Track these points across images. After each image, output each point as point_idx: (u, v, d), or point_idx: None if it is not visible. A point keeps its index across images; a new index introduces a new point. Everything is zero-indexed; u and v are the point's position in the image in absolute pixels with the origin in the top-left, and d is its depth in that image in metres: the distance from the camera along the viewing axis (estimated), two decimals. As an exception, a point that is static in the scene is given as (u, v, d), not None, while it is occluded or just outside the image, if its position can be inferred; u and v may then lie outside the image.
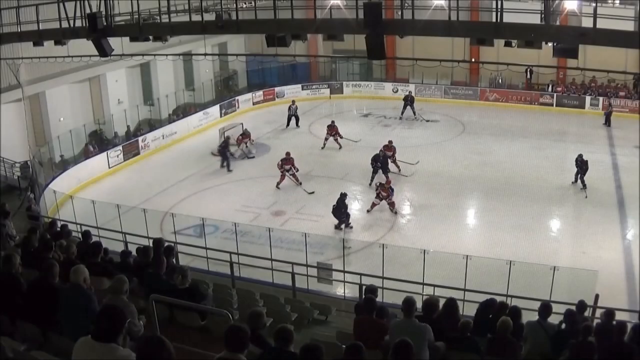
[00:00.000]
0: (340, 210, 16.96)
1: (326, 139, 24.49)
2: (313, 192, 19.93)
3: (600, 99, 29.16)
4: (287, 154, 20.62)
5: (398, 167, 21.29)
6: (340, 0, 15.90)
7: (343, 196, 17.03)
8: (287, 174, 20.30)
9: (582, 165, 19.30)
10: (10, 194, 18.68)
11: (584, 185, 19.16)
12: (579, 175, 19.38)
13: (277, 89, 32.68)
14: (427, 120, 28.19)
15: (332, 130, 24.53)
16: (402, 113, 28.81)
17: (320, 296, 12.53)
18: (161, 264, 7.53)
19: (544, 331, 7.34)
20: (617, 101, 28.90)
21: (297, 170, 20.52)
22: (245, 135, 24.24)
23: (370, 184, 19.95)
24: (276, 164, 20.53)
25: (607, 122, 27.22)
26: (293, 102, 28.37)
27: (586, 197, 18.80)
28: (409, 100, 28.81)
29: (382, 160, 20.31)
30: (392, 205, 18.03)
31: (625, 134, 24.85)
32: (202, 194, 20.29)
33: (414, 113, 28.60)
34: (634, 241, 15.73)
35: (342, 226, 17.06)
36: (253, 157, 23.86)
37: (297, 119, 27.80)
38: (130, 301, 5.83)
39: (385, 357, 5.41)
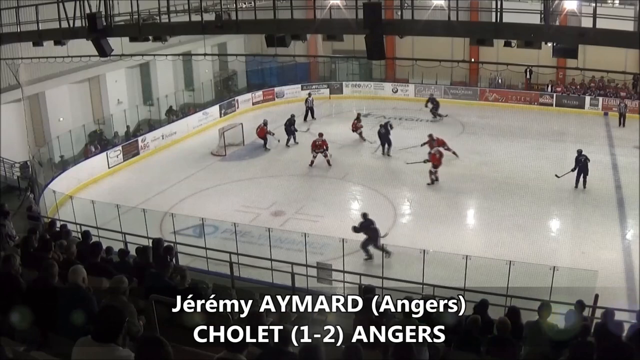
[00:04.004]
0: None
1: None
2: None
3: (600, 99, 29.10)
4: (320, 134, 22.04)
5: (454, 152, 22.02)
6: (340, 0, 15.90)
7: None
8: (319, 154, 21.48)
9: (582, 166, 19.09)
10: (10, 194, 18.67)
11: (578, 184, 19.15)
12: (581, 175, 19.18)
13: (276, 89, 32.60)
14: None
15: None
16: None
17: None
18: (166, 265, 7.52)
19: (544, 331, 7.34)
20: (617, 101, 28.91)
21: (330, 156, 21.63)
22: (265, 126, 24.45)
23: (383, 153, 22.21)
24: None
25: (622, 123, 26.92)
26: (310, 94, 29.08)
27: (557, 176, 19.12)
28: None
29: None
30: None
31: (625, 134, 24.83)
32: (202, 194, 20.28)
33: None
34: (634, 241, 15.71)
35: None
36: (278, 140, 24.46)
37: (313, 111, 28.28)
38: (130, 301, 5.83)
39: (386, 357, 5.40)
